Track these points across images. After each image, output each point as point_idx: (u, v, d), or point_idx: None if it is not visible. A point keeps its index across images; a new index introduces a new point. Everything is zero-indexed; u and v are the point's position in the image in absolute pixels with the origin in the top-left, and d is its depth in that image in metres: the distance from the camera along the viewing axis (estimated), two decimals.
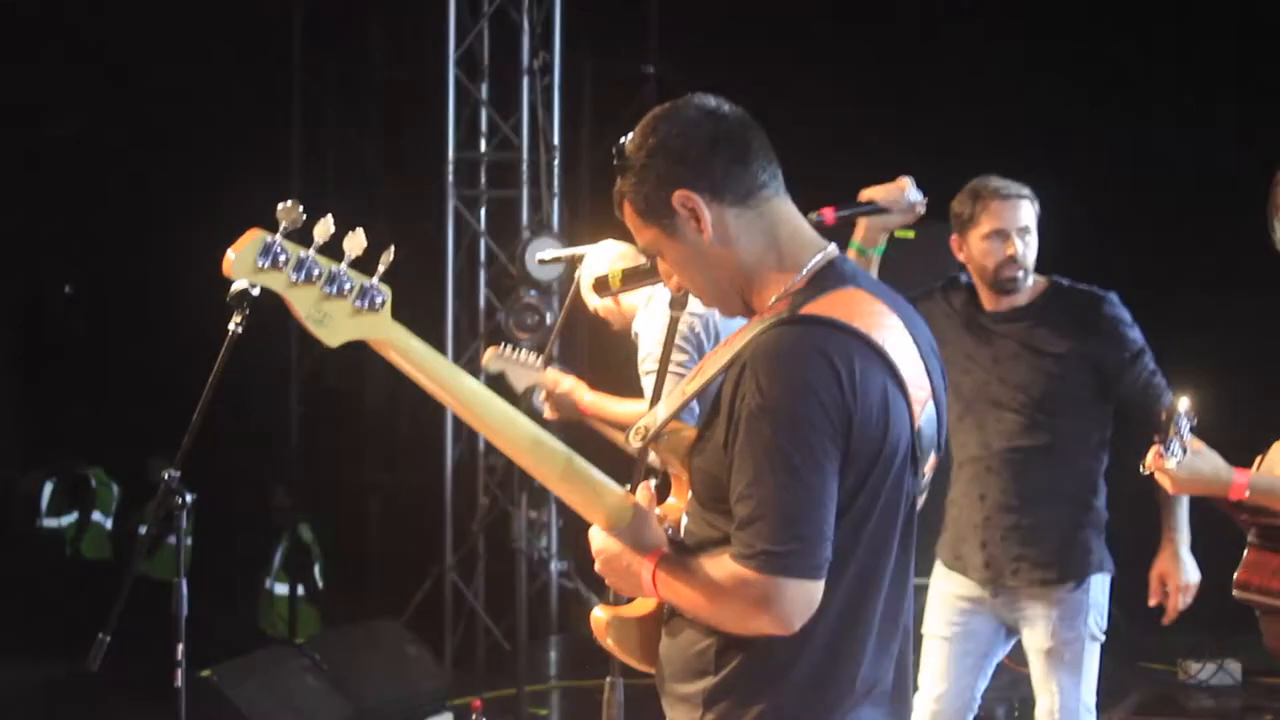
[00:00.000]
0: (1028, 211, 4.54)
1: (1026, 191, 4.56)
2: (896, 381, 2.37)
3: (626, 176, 2.48)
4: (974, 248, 4.54)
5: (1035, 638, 4.50)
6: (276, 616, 8.28)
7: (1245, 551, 3.89)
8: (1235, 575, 3.78)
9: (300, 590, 8.24)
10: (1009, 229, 4.49)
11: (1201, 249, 7.92)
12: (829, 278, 2.43)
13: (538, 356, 4.93)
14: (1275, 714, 7.26)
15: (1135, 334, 4.48)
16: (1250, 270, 7.62)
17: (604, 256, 4.85)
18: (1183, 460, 3.39)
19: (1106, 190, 8.13)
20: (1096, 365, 4.42)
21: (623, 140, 2.49)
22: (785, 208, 2.49)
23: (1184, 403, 3.42)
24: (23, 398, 8.78)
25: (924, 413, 2.42)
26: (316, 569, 8.36)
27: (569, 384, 4.73)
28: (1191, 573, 4.53)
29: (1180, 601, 4.55)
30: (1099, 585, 4.53)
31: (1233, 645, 7.51)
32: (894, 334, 2.39)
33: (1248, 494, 3.42)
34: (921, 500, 2.52)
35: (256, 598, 8.37)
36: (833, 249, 2.49)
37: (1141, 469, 3.47)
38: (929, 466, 2.49)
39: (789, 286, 2.44)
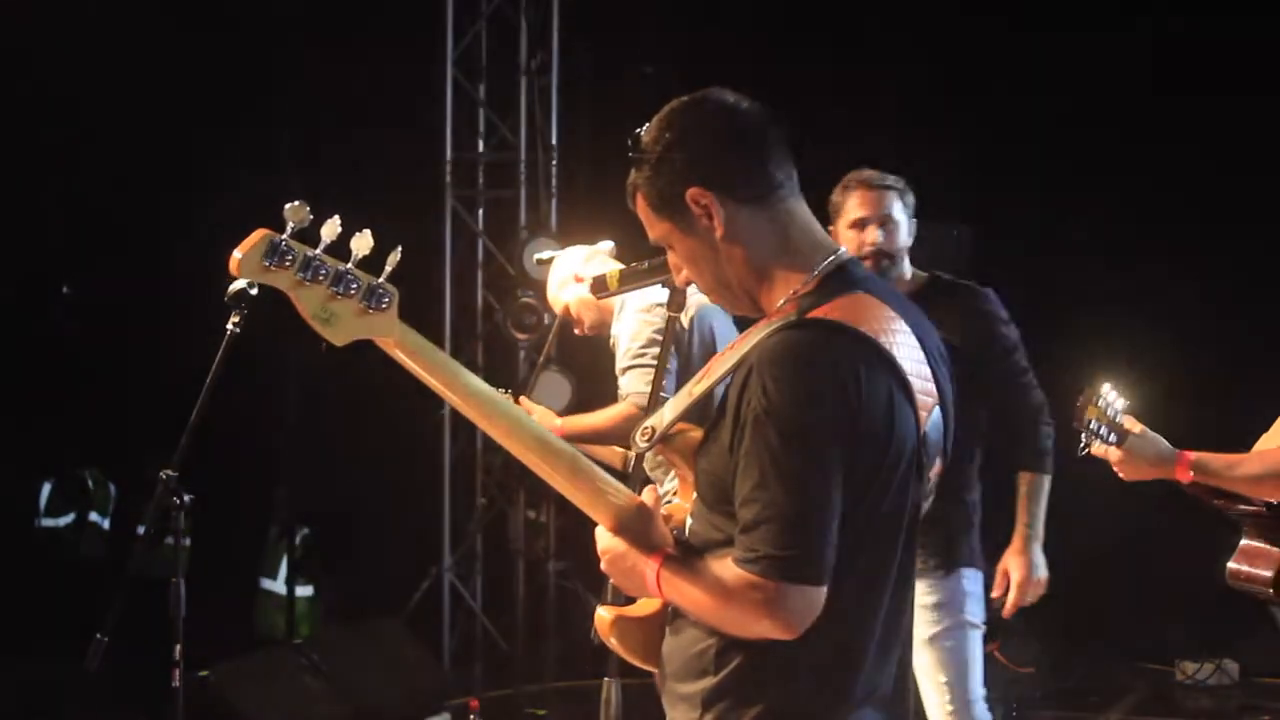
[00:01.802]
0: (893, 201, 4.53)
1: (896, 183, 4.56)
2: (902, 387, 2.36)
3: (641, 169, 2.48)
4: (841, 237, 4.53)
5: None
6: (272, 617, 8.27)
7: (1241, 541, 3.88)
8: (1228, 565, 3.77)
9: (298, 590, 8.24)
10: (870, 217, 4.48)
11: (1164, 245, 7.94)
12: (838, 281, 2.43)
13: (506, 392, 4.94)
14: (1273, 714, 7.27)
15: (1010, 330, 4.46)
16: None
17: (572, 260, 4.88)
18: (1127, 443, 3.41)
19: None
20: (966, 360, 4.40)
21: (639, 131, 2.49)
22: (799, 209, 2.49)
23: (1105, 386, 3.43)
24: (20, 398, 8.77)
25: (930, 418, 2.41)
26: (313, 569, 8.35)
27: (538, 413, 4.73)
28: (1039, 570, 4.49)
29: (1023, 599, 4.49)
30: (971, 577, 4.52)
31: (1231, 645, 7.52)
32: (901, 339, 2.39)
33: (1192, 474, 3.44)
34: (927, 505, 2.52)
35: (254, 598, 8.36)
36: (844, 252, 2.49)
37: (1080, 454, 3.49)
38: (934, 472, 2.49)
39: (798, 289, 2.43)
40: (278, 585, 8.28)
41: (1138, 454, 3.45)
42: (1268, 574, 3.65)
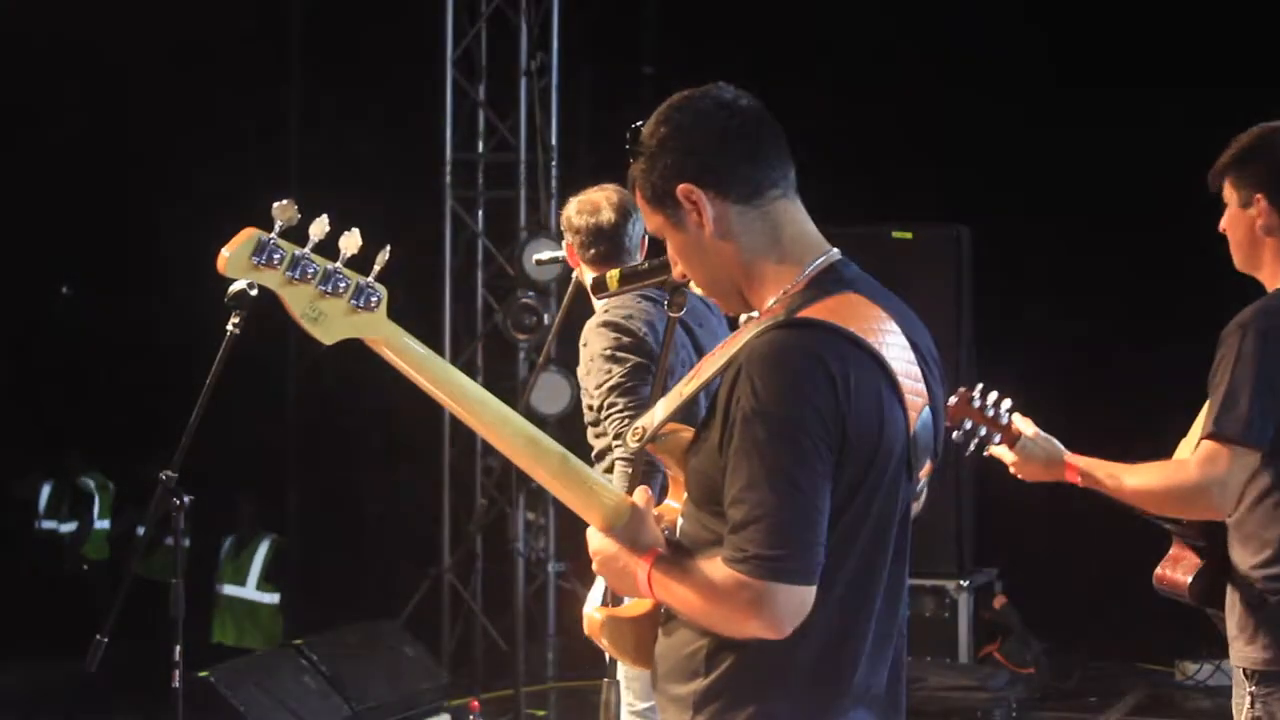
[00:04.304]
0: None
1: None
2: (892, 387, 2.36)
3: (638, 161, 2.49)
4: None
5: None
6: (257, 623, 8.26)
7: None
8: (1155, 571, 3.78)
9: (263, 598, 8.25)
10: None
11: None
12: (829, 281, 2.43)
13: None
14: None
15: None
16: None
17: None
18: (1020, 444, 3.46)
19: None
20: None
21: (638, 124, 2.50)
22: (792, 208, 2.49)
23: (979, 388, 3.47)
24: (20, 399, 8.78)
25: (920, 419, 2.41)
26: (279, 577, 8.34)
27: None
28: None
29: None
30: None
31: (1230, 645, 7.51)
32: (891, 339, 2.39)
33: (1080, 479, 3.47)
34: (918, 505, 2.52)
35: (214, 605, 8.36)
36: (835, 253, 2.49)
37: (965, 454, 3.52)
38: (924, 472, 2.50)
39: (788, 288, 2.43)
40: (246, 591, 8.27)
41: (1030, 455, 3.49)
42: (1186, 579, 3.66)
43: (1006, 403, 3.51)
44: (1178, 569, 3.68)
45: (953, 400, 3.45)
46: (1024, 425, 3.52)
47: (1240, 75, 7.81)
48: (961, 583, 7.69)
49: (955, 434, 3.47)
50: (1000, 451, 3.52)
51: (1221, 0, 7.97)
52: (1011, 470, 3.56)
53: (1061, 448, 3.52)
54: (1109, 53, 8.15)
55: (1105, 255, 8.06)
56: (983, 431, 3.49)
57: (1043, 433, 3.53)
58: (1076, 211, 8.15)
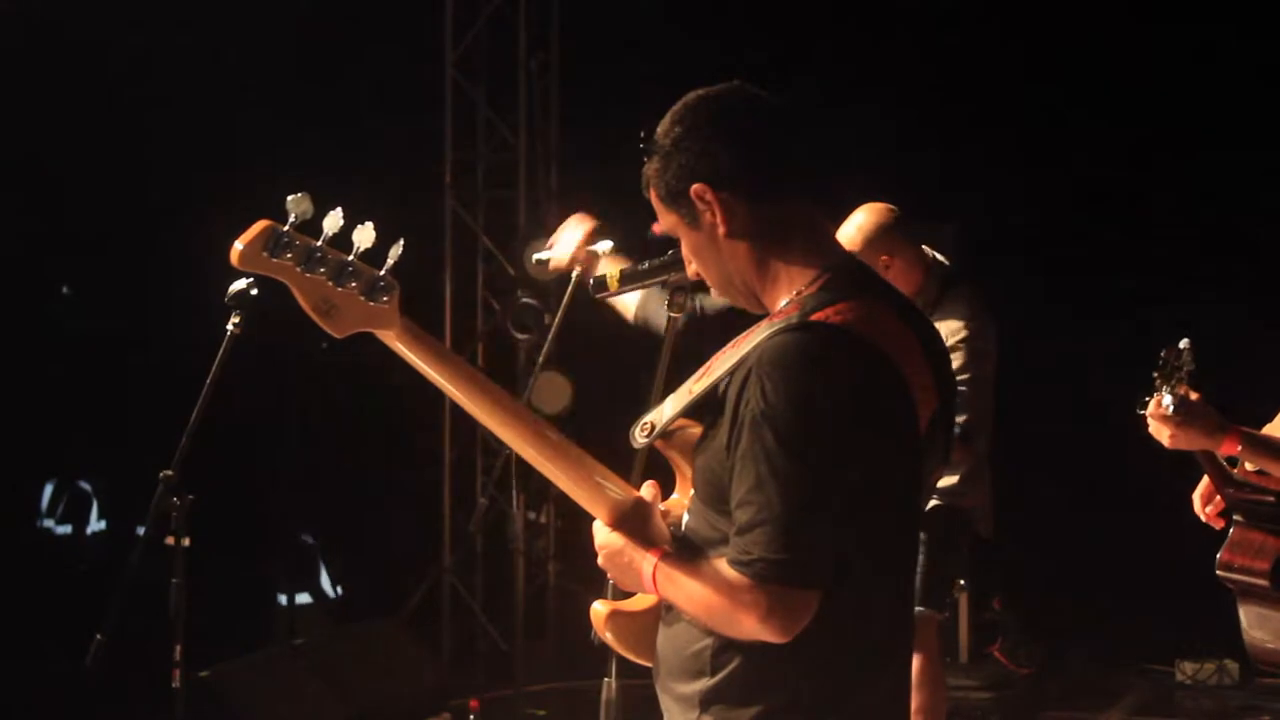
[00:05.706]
0: None
1: None
2: (903, 391, 2.36)
3: (652, 160, 2.49)
4: None
5: None
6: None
7: (1230, 530, 3.88)
8: (1219, 555, 3.76)
9: (309, 598, 8.24)
10: None
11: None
12: (841, 284, 2.42)
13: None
14: (1274, 714, 7.26)
15: None
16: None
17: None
18: (1178, 407, 3.42)
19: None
20: None
21: (657, 122, 2.50)
22: (805, 208, 2.48)
23: (1184, 343, 3.45)
24: (20, 398, 8.76)
25: (929, 421, 2.41)
26: (324, 575, 8.33)
27: None
28: None
29: None
30: None
31: (1230, 645, 7.50)
32: (902, 343, 2.39)
33: (1239, 449, 3.44)
34: (927, 507, 2.51)
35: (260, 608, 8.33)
36: (848, 255, 2.49)
37: (1140, 412, 3.49)
38: (934, 475, 2.50)
39: (801, 289, 2.43)
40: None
41: (1193, 421, 3.45)
42: (1264, 565, 3.64)
43: (1190, 366, 3.48)
44: (1252, 553, 3.67)
45: (1165, 353, 3.43)
46: (1187, 392, 3.48)
47: (1232, 73, 7.84)
48: (961, 583, 7.68)
49: (1168, 390, 3.42)
50: (1165, 404, 3.46)
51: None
52: (1165, 433, 3.48)
53: (1222, 418, 3.48)
54: (1109, 51, 8.15)
55: (1104, 254, 8.06)
56: (1174, 386, 3.45)
57: (1204, 401, 3.49)
58: (1075, 210, 8.16)
